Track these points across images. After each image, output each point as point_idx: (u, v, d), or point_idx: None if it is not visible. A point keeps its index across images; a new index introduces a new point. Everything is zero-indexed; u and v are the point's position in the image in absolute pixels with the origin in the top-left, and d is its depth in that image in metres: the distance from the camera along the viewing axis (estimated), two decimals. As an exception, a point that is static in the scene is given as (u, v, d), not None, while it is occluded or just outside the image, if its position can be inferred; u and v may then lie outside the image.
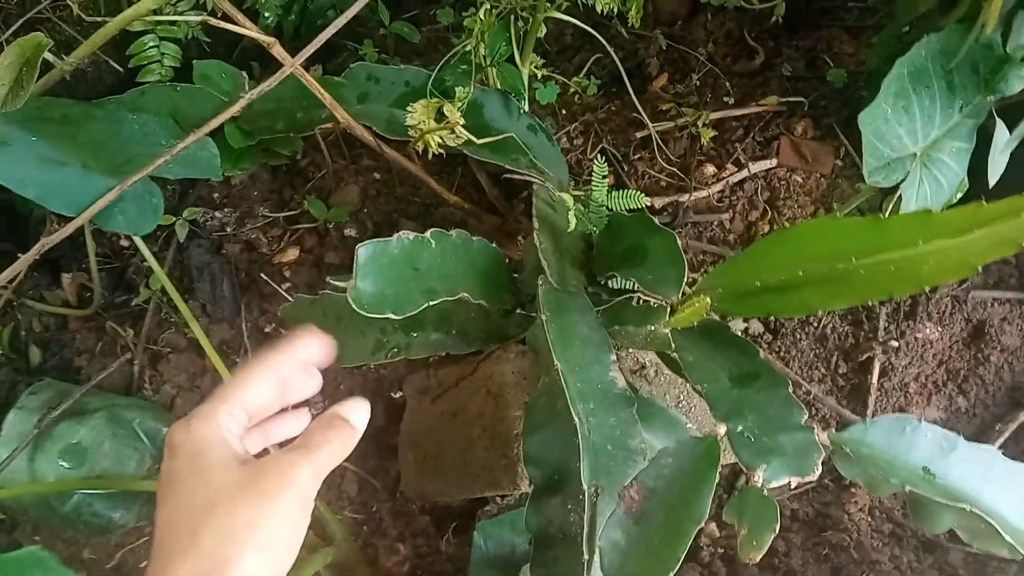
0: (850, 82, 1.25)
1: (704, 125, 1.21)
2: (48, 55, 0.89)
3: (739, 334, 0.79)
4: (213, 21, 0.92)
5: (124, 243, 1.23)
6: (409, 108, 1.01)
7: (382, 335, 0.91)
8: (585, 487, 0.66)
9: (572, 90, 1.30)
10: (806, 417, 0.67)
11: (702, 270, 1.16)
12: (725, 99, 1.27)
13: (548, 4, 1.00)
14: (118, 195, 0.84)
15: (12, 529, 1.09)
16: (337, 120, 1.01)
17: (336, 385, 1.12)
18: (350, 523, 1.02)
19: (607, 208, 0.94)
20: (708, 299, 0.65)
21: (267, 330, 1.17)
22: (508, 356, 0.90)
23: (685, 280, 0.80)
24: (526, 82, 1.09)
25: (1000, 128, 0.91)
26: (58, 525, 1.01)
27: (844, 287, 0.64)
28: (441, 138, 0.99)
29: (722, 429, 0.66)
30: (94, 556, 1.07)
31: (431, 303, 0.74)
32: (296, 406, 0.57)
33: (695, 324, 0.69)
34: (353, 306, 0.68)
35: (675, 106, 1.26)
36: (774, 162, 1.21)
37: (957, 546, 1.02)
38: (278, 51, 0.93)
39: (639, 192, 0.93)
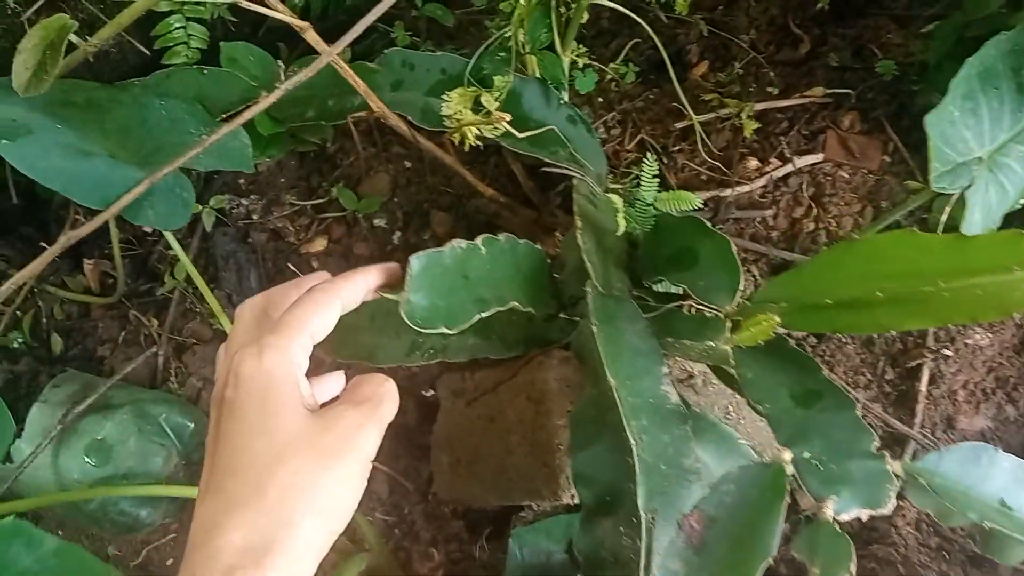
0: (899, 74, 1.20)
1: (748, 116, 1.16)
2: (72, 36, 0.85)
3: (793, 343, 0.75)
4: (244, 3, 0.88)
5: (147, 229, 1.20)
6: (444, 97, 0.97)
7: (418, 336, 0.88)
8: (642, 514, 0.63)
9: (609, 77, 1.26)
10: (876, 443, 0.63)
11: (744, 269, 1.12)
12: (768, 89, 1.23)
13: (593, -11, 0.95)
14: (147, 188, 0.80)
15: (36, 523, 1.06)
16: (371, 109, 0.97)
17: (365, 380, 1.09)
18: (380, 525, 1.00)
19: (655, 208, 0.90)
20: (776, 317, 0.62)
21: (294, 322, 1.14)
22: (551, 362, 0.87)
23: (740, 289, 0.76)
24: (566, 71, 1.05)
25: (1072, 132, 0.86)
26: (83, 523, 0.99)
27: (923, 308, 0.61)
28: (479, 130, 0.96)
29: (787, 455, 0.63)
30: (119, 552, 1.05)
31: (483, 314, 0.70)
32: None
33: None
34: (406, 321, 0.65)
35: (717, 96, 1.21)
36: (820, 156, 1.17)
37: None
38: (312, 36, 0.89)
39: (689, 193, 0.88)
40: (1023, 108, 0.86)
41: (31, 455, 0.93)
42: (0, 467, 0.94)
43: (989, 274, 0.56)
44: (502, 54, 1.02)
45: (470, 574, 0.95)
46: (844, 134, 1.18)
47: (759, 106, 1.19)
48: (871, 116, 1.19)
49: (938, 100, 1.03)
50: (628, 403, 0.69)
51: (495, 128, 0.95)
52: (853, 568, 0.54)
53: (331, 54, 0.83)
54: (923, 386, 1.06)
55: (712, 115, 1.20)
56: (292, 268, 1.15)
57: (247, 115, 0.83)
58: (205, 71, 1.01)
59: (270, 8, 0.88)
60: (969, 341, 1.07)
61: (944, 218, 1.00)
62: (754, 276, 1.12)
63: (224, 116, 0.99)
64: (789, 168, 1.16)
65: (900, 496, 1.02)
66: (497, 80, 0.98)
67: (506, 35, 1.00)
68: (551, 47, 1.04)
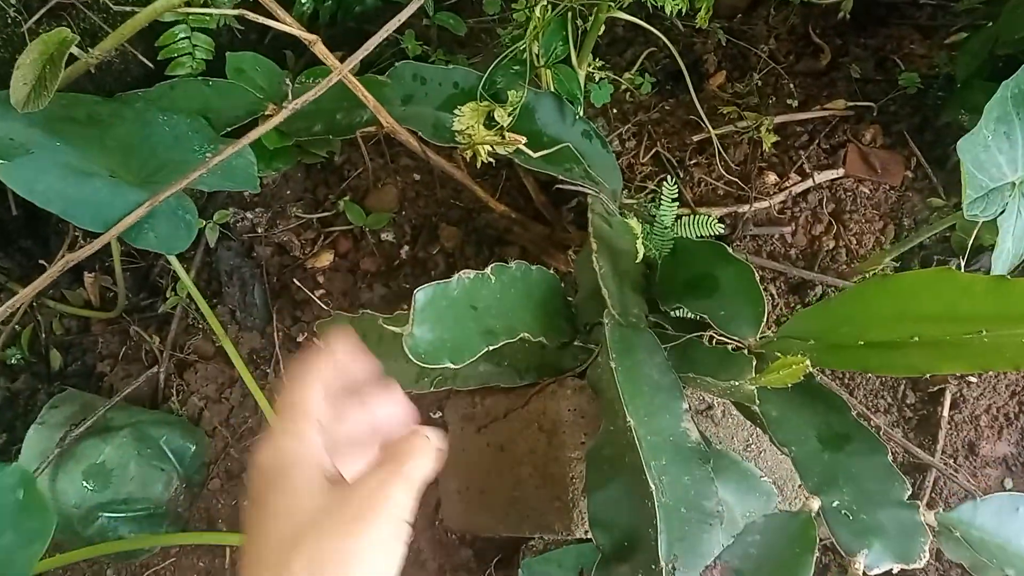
0: (923, 87, 1.17)
1: (767, 129, 1.13)
2: (73, 48, 0.82)
3: (818, 379, 0.72)
4: (251, 15, 0.85)
5: (149, 242, 1.17)
6: (457, 112, 0.94)
7: (427, 363, 0.85)
8: (663, 563, 0.60)
9: (623, 87, 1.23)
10: (909, 491, 0.60)
11: (762, 288, 1.08)
12: (788, 101, 1.19)
13: (611, 3, 0.92)
14: (149, 211, 0.77)
15: (32, 545, 1.04)
16: (380, 124, 0.94)
17: (372, 401, 1.06)
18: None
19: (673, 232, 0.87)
20: (807, 360, 0.59)
21: (299, 339, 1.11)
22: (564, 392, 0.84)
23: (764, 320, 0.73)
24: (582, 84, 1.02)
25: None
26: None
27: (961, 353, 0.58)
28: (491, 147, 0.93)
29: (815, 504, 0.60)
30: (118, 576, 1.02)
31: (490, 347, 0.67)
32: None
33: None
34: (409, 355, 0.62)
35: (735, 108, 1.18)
36: (840, 171, 1.13)
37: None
38: (320, 50, 0.86)
39: (710, 216, 0.85)
40: (1058, 132, 0.83)
41: (29, 479, 0.91)
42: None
43: (1035, 322, 0.52)
44: (516, 67, 0.99)
45: (479, 605, 0.92)
46: (866, 148, 1.15)
47: (778, 119, 1.16)
48: (893, 130, 1.16)
49: (964, 117, 1.01)
50: (647, 442, 0.66)
51: (508, 144, 0.92)
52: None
53: (342, 71, 0.80)
54: (945, 411, 1.03)
55: (730, 128, 1.16)
56: (297, 284, 1.12)
57: (254, 135, 0.80)
58: (210, 83, 0.98)
59: (278, 20, 0.86)
60: (994, 366, 1.04)
61: (971, 241, 0.97)
62: (772, 295, 1.09)
63: (229, 130, 0.96)
64: (809, 183, 1.13)
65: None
66: (511, 94, 0.95)
67: (520, 48, 0.97)
68: (566, 60, 1.01)
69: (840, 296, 0.66)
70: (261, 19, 0.84)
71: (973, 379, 1.04)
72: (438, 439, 0.49)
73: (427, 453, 0.47)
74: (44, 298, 1.14)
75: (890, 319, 0.61)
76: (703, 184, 1.15)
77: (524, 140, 0.86)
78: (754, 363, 0.65)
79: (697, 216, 0.87)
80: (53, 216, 1.17)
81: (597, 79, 1.07)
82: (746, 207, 1.11)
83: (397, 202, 1.16)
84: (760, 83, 1.22)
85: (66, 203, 0.75)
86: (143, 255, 1.18)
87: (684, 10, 0.92)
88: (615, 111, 1.22)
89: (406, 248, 1.15)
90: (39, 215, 1.17)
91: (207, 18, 0.99)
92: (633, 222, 0.82)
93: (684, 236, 0.87)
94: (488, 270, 0.70)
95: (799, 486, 0.83)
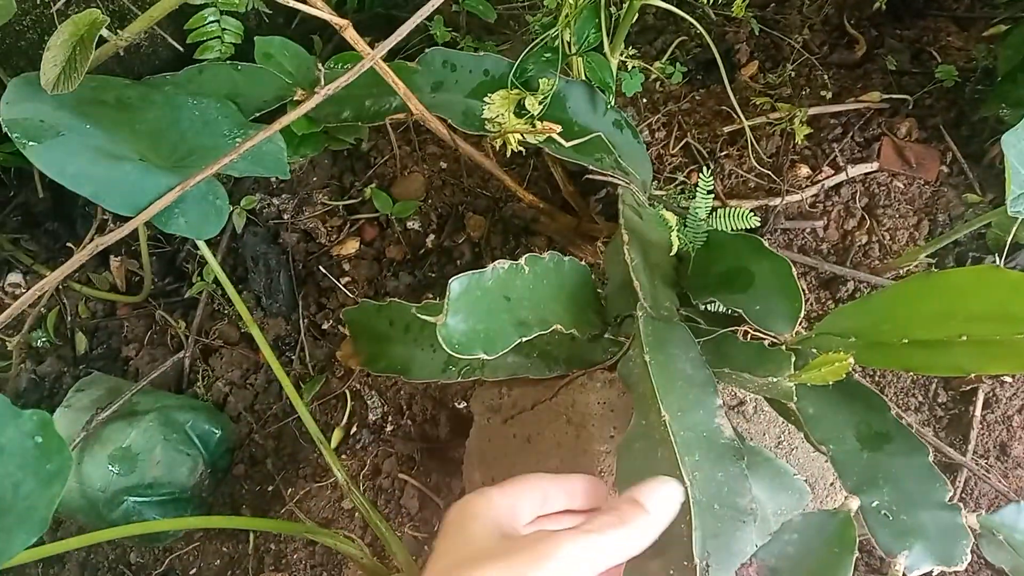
0: (960, 79, 1.14)
1: (800, 121, 1.11)
2: (102, 30, 0.81)
3: (856, 376, 0.70)
4: (282, -1, 0.84)
5: (176, 226, 1.16)
6: (487, 99, 0.93)
7: (455, 353, 0.84)
8: (697, 560, 0.59)
9: (654, 76, 1.21)
10: (950, 493, 0.59)
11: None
12: (822, 93, 1.17)
13: (647, -10, 0.91)
14: (179, 195, 0.76)
15: (56, 528, 1.05)
16: (410, 111, 0.93)
17: (396, 390, 1.05)
18: (410, 542, 0.96)
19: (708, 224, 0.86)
20: (851, 358, 0.57)
21: (324, 327, 1.10)
22: (594, 384, 0.83)
23: (801, 315, 0.72)
24: (614, 73, 1.00)
25: None
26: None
27: (1011, 353, 0.56)
28: (522, 135, 0.91)
29: (854, 503, 0.59)
30: (141, 560, 1.02)
31: (523, 339, 0.66)
32: None
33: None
34: (443, 346, 0.61)
35: (768, 99, 1.16)
36: (875, 165, 1.11)
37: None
38: (351, 35, 0.85)
39: (745, 208, 0.84)
40: (1106, 127, 0.81)
41: (55, 461, 0.91)
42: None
43: (1091, 322, 0.51)
44: (547, 55, 0.97)
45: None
46: (901, 142, 1.12)
47: (811, 110, 1.14)
48: (929, 124, 1.14)
49: (1006, 111, 0.98)
50: (681, 437, 0.65)
51: (538, 133, 0.91)
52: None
53: (374, 57, 0.79)
54: (978, 411, 1.01)
55: (762, 119, 1.15)
56: (323, 271, 1.11)
57: (285, 121, 0.79)
58: (239, 67, 0.98)
59: (308, 4, 0.85)
60: (1028, 365, 1.02)
61: (1010, 238, 0.95)
62: (803, 291, 1.08)
63: (257, 115, 0.96)
64: (842, 177, 1.11)
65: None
66: (542, 83, 0.94)
67: (552, 35, 0.96)
68: (598, 48, 0.99)
69: (881, 293, 0.64)
70: (291, 2, 0.83)
71: (1008, 379, 1.02)
72: (665, 497, 0.50)
73: (622, 530, 0.46)
74: (70, 281, 1.14)
75: (936, 317, 0.60)
76: (734, 176, 1.14)
77: (559, 129, 0.84)
78: (793, 359, 0.64)
79: (732, 208, 0.85)
80: (80, 199, 1.18)
81: (629, 68, 1.06)
82: (777, 200, 1.10)
83: (423, 190, 1.16)
84: (793, 74, 1.20)
85: (97, 186, 0.74)
86: (169, 239, 1.18)
87: (719, -2, 0.91)
88: (645, 101, 1.20)
89: (432, 237, 1.14)
90: (66, 198, 1.17)
91: (236, 1, 0.98)
92: (668, 214, 0.81)
93: (719, 229, 0.86)
94: (522, 260, 0.69)
95: (831, 484, 0.82)
